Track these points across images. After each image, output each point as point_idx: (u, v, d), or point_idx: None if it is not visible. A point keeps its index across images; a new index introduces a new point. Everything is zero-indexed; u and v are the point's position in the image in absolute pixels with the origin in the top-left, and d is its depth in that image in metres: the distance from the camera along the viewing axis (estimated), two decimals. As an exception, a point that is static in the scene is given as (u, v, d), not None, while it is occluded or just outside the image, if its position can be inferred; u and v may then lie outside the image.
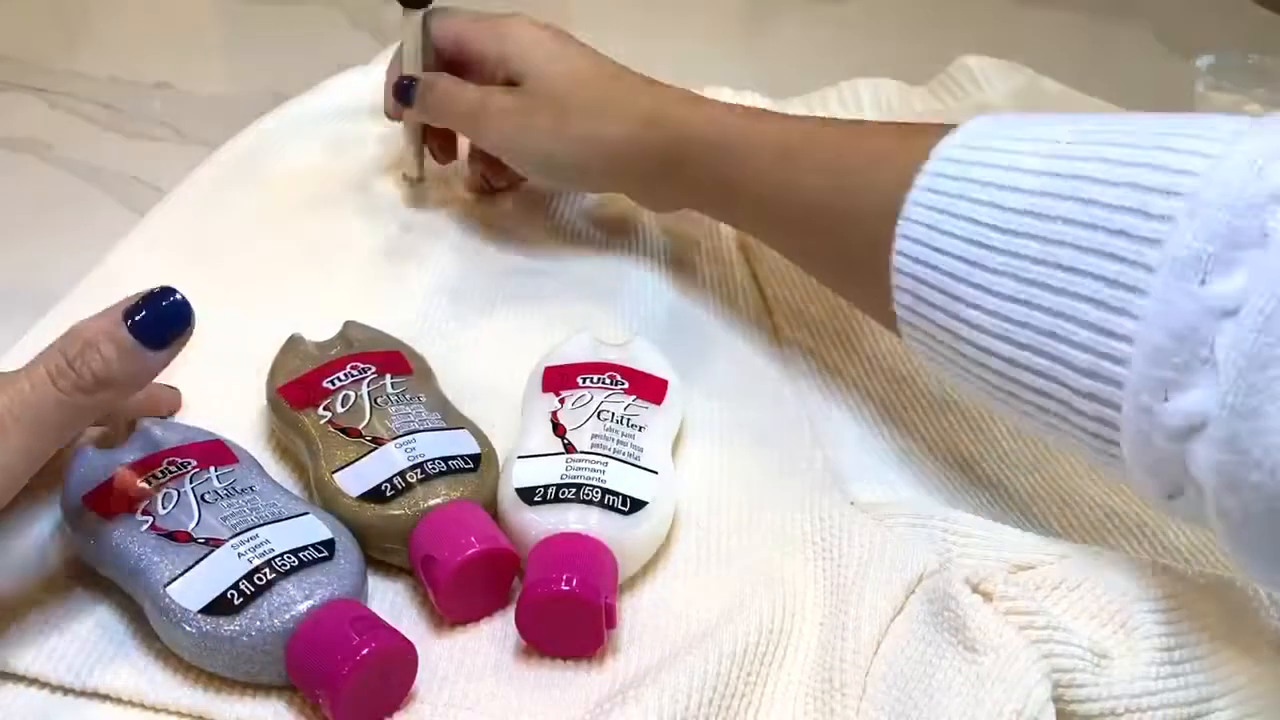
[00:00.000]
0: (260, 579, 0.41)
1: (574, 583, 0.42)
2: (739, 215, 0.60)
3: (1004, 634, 0.41)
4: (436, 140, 0.71)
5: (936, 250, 0.45)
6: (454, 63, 0.67)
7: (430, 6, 0.66)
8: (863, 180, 0.50)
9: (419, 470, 0.47)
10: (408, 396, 0.50)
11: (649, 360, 0.53)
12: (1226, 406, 0.36)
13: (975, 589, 0.44)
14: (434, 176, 0.72)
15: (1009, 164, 0.44)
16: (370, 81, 0.80)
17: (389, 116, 0.70)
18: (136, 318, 0.40)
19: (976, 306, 0.44)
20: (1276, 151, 0.37)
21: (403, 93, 0.66)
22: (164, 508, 0.44)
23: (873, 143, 0.51)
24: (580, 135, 0.61)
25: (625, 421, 0.49)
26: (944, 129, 0.48)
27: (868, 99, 0.84)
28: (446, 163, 0.72)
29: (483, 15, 0.66)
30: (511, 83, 0.63)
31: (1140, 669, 0.42)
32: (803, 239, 0.56)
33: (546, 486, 0.46)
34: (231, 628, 0.41)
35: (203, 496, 0.44)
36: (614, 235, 0.70)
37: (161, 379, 0.55)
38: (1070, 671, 0.41)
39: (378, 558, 0.46)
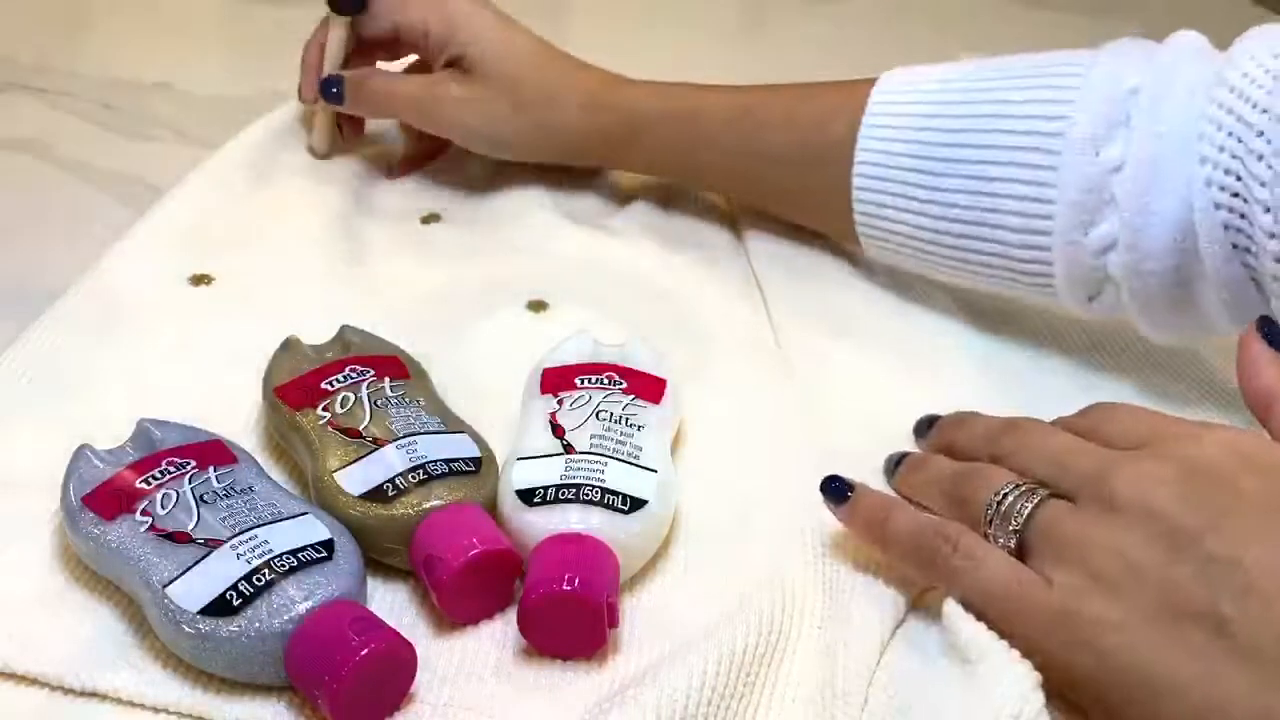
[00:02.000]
0: (259, 579, 0.41)
1: (575, 583, 0.42)
2: (699, 173, 0.70)
3: (995, 642, 0.41)
4: (347, 122, 0.76)
5: (891, 168, 0.60)
6: (376, 41, 0.72)
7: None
8: (817, 133, 0.63)
9: (421, 471, 0.47)
10: (407, 400, 0.50)
11: (646, 360, 0.53)
12: (1127, 226, 0.54)
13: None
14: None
15: (935, 99, 0.60)
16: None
17: (305, 102, 0.74)
18: None
19: (931, 201, 0.59)
20: (1123, 65, 0.55)
21: (329, 92, 0.71)
22: (163, 508, 0.44)
23: (819, 101, 0.64)
24: (536, 122, 0.69)
25: (624, 421, 0.49)
26: (870, 83, 0.62)
27: (867, 99, 0.84)
28: (355, 137, 0.77)
29: None
30: (451, 63, 0.69)
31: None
32: (764, 184, 0.68)
33: (546, 487, 0.46)
34: (231, 628, 0.41)
35: (202, 497, 0.44)
36: (612, 235, 0.70)
37: (160, 378, 0.56)
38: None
39: (377, 558, 0.46)
